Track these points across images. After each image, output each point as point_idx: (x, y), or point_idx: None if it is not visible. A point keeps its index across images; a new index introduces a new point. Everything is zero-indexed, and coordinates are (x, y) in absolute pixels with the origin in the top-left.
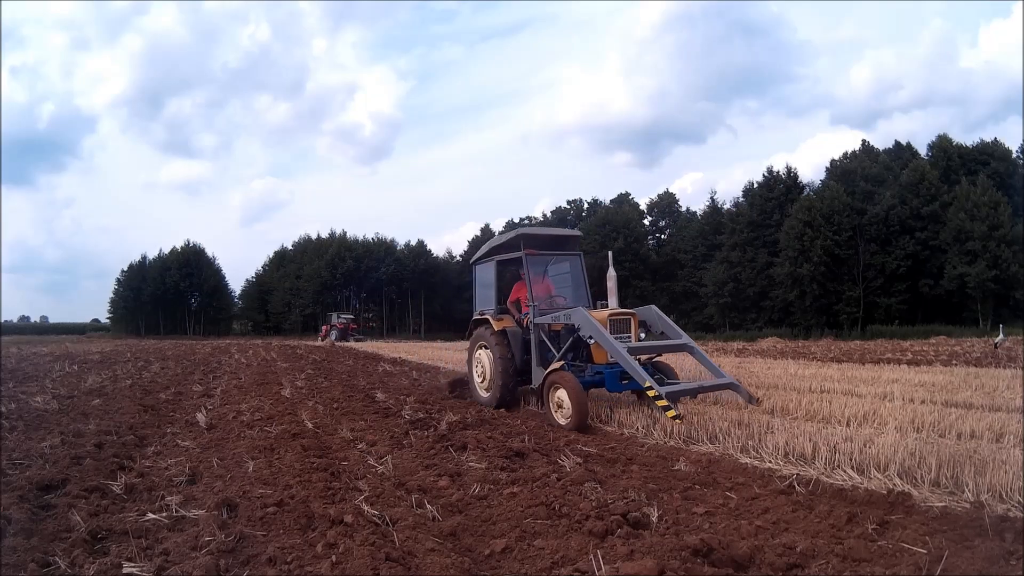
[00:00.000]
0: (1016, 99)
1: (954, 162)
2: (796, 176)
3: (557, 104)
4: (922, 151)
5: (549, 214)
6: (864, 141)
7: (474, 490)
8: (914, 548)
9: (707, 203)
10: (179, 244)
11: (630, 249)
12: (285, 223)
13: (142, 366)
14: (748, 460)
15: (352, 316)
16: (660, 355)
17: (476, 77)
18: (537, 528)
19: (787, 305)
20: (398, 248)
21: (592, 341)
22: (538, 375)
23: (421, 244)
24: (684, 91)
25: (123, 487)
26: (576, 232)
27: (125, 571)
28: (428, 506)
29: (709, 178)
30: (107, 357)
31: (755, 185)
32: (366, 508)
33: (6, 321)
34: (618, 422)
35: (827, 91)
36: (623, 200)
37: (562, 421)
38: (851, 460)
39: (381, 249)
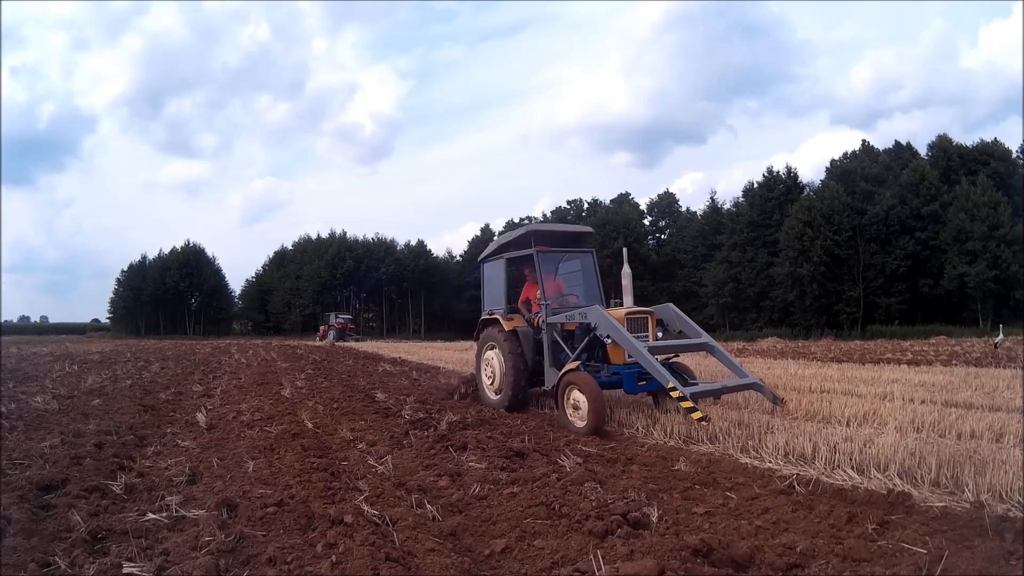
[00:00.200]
0: (1016, 99)
1: (954, 162)
2: (796, 176)
3: (557, 104)
4: (922, 151)
5: (549, 214)
6: (864, 141)
7: (474, 490)
8: (914, 548)
9: (707, 203)
10: (179, 244)
11: (630, 249)
12: (285, 223)
13: (142, 366)
14: (748, 460)
15: (350, 316)
16: (677, 355)
17: (476, 77)
18: (537, 528)
19: (787, 305)
20: (398, 248)
21: (609, 340)
22: (551, 376)
23: (421, 244)
24: (684, 91)
25: (123, 487)
26: (588, 229)
27: (125, 571)
28: (428, 506)
29: (709, 178)
30: (107, 357)
31: (755, 185)
32: (366, 508)
33: (6, 321)
34: (618, 422)
35: (827, 91)
36: (623, 200)
37: (578, 424)
38: (851, 460)
39: (381, 249)
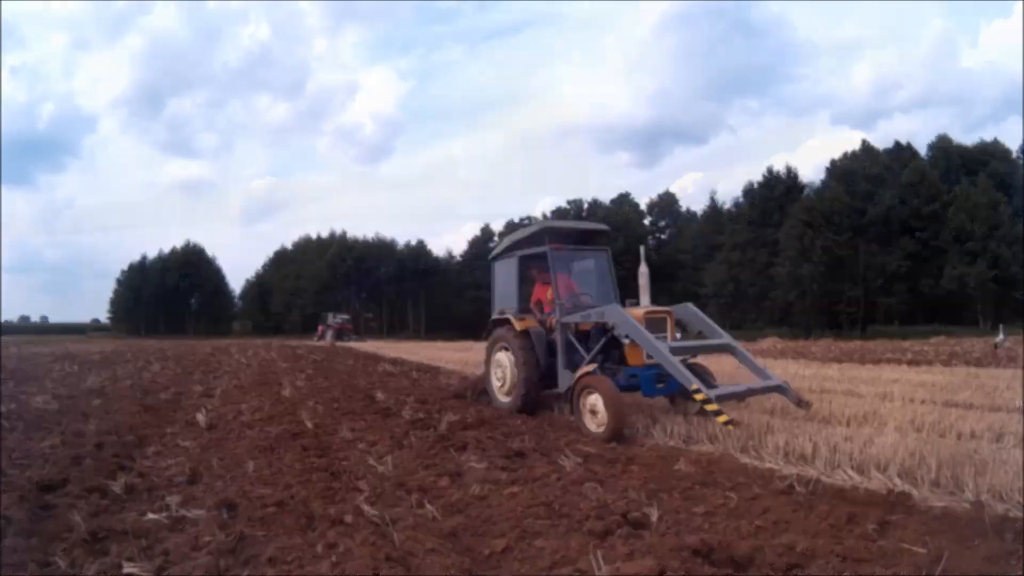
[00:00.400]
0: (1016, 99)
1: (954, 162)
2: (796, 176)
3: (557, 104)
4: (922, 151)
5: (549, 214)
6: (864, 141)
7: (474, 490)
8: (914, 548)
9: (707, 203)
10: (179, 244)
11: (630, 249)
12: (285, 223)
13: (142, 366)
14: (748, 460)
15: (348, 316)
16: (695, 356)
17: (476, 77)
18: (537, 528)
19: (787, 305)
20: (398, 248)
21: (628, 341)
22: (566, 379)
23: (421, 244)
24: (685, 91)
25: (123, 487)
26: (603, 226)
27: (125, 571)
28: (428, 506)
29: (709, 178)
30: (107, 357)
31: (755, 185)
32: (366, 508)
33: (6, 321)
34: None
35: (827, 91)
36: (623, 200)
37: (595, 429)
38: (851, 460)
39: (381, 249)
